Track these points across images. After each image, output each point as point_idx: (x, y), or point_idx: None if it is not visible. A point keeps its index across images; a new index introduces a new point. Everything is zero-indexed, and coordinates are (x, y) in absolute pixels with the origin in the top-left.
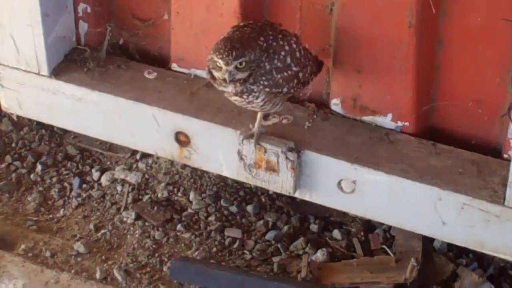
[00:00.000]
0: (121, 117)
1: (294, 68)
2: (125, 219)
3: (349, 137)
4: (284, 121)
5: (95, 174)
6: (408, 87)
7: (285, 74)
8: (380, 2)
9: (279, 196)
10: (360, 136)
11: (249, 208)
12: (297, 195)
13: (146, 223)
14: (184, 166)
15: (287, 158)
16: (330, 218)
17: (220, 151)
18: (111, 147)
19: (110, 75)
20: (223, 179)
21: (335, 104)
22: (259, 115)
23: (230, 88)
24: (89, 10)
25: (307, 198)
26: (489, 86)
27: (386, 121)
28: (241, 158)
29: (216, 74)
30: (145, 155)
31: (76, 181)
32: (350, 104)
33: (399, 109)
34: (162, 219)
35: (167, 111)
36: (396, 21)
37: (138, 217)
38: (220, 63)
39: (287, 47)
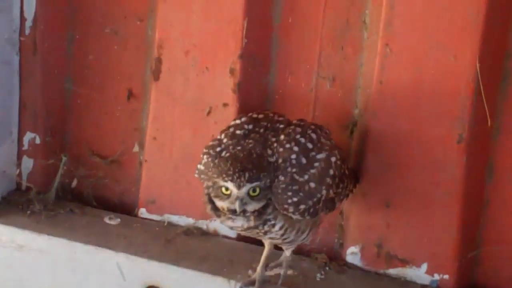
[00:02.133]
0: (74, 270)
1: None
2: None
3: None
4: (290, 272)
5: None
6: (451, 225)
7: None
8: (422, 110)
9: None
10: None
11: None
12: None
13: None
14: None
15: None
16: None
17: None
18: None
19: (61, 219)
20: None
21: (353, 254)
22: (264, 255)
23: (239, 223)
24: (37, 141)
25: None
26: None
27: (420, 273)
28: None
29: (220, 204)
30: None
31: None
32: (373, 252)
33: (437, 257)
34: None
35: (137, 258)
36: (442, 134)
37: None
38: (229, 187)
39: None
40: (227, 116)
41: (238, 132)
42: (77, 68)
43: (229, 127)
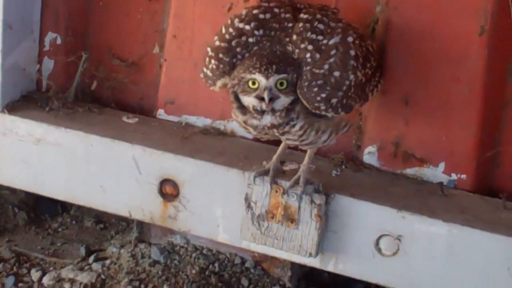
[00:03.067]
0: (90, 163)
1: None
2: None
3: (391, 188)
4: (310, 168)
5: (35, 275)
6: (471, 123)
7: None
8: (444, 2)
9: None
10: (405, 188)
11: None
12: (317, 263)
13: None
14: (154, 263)
15: (312, 201)
16: None
17: (218, 203)
18: (55, 252)
19: (79, 116)
20: (205, 277)
21: (369, 154)
22: (280, 148)
23: (267, 120)
24: (58, 41)
25: (330, 267)
26: None
27: (437, 173)
28: (249, 206)
29: (247, 100)
30: (100, 258)
31: (9, 280)
32: (390, 151)
33: (455, 156)
34: None
35: (153, 151)
36: (464, 26)
37: None
38: (257, 78)
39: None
40: None
41: (250, 40)
42: None
43: (239, 32)
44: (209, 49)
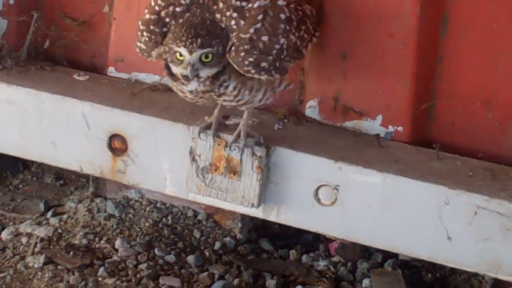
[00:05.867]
0: (42, 119)
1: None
2: (31, 264)
3: (330, 140)
4: (249, 122)
5: None
6: (405, 77)
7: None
8: None
9: (227, 252)
10: (343, 139)
11: (190, 259)
12: (259, 212)
13: (59, 267)
14: (109, 217)
15: (253, 154)
16: (290, 278)
17: (165, 156)
18: (15, 208)
19: (31, 74)
20: (158, 230)
21: (311, 108)
22: (219, 105)
23: (193, 86)
24: (11, 1)
25: (272, 217)
26: (503, 80)
27: (375, 125)
28: (194, 160)
29: (175, 69)
30: (58, 213)
31: None
32: (330, 105)
33: (391, 109)
34: (79, 263)
35: (102, 107)
36: None
37: (49, 261)
38: (182, 52)
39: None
40: None
41: (178, 9)
42: None
43: (167, 3)
44: (140, 22)
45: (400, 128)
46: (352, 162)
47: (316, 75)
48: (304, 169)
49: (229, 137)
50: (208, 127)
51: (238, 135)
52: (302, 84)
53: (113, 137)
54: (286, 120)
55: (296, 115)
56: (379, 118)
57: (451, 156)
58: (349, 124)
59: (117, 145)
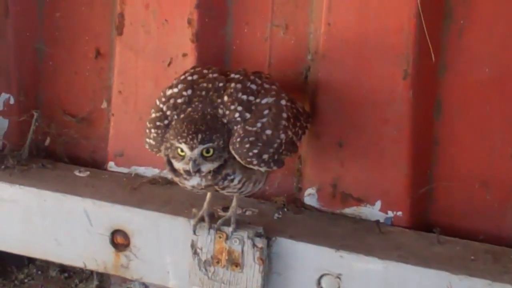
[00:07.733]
0: (44, 217)
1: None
2: None
3: (331, 228)
4: (248, 213)
5: None
6: (402, 162)
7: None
8: (369, 48)
9: None
10: (343, 227)
11: None
12: None
13: None
14: None
15: (254, 245)
16: None
17: (167, 250)
18: None
19: (33, 173)
20: None
21: (310, 195)
22: (208, 194)
23: (195, 181)
24: (11, 101)
25: None
26: (500, 161)
27: (374, 211)
28: (195, 253)
29: (177, 164)
30: None
31: None
32: (328, 192)
33: (389, 194)
34: None
35: (103, 203)
36: (388, 71)
37: None
38: (183, 148)
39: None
40: (187, 66)
41: (179, 101)
42: (48, 30)
43: (168, 98)
44: (147, 122)
45: (399, 213)
46: (353, 250)
47: (313, 163)
48: (306, 258)
49: (229, 229)
50: (201, 219)
51: (227, 222)
52: (300, 172)
53: (115, 232)
54: (285, 209)
55: (295, 203)
56: (378, 203)
57: (452, 239)
58: (348, 210)
59: (119, 240)
